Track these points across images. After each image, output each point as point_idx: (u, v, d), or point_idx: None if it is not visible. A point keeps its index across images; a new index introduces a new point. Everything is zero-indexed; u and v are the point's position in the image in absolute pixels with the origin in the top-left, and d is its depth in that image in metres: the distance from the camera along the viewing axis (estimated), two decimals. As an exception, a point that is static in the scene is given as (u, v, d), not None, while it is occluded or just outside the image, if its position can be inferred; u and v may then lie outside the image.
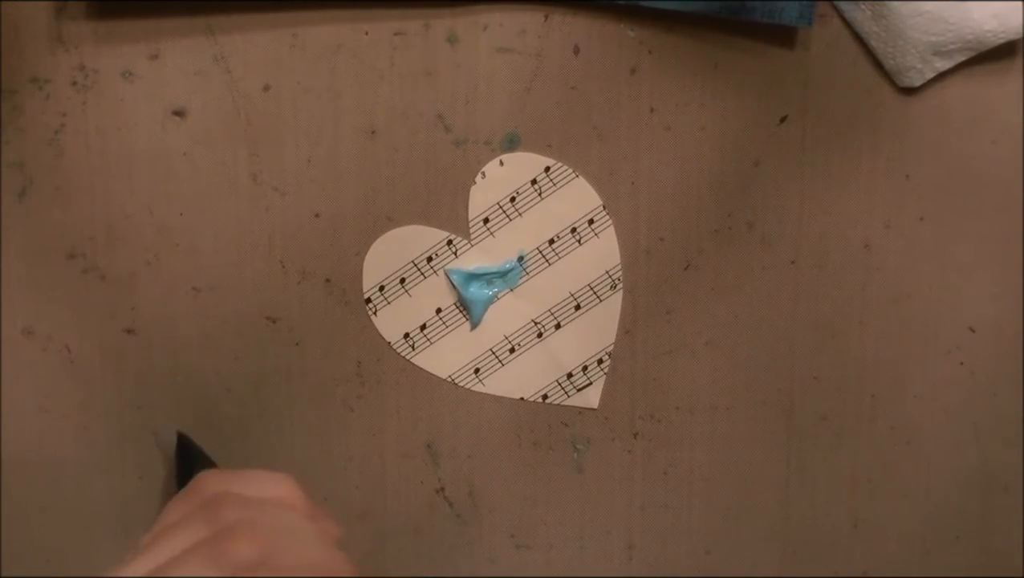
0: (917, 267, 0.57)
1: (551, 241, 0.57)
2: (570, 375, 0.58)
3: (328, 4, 0.53)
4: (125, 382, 0.56)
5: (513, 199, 0.56)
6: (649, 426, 0.59)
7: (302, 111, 0.54)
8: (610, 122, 0.55)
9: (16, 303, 0.55)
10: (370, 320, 0.56)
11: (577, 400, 0.58)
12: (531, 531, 0.59)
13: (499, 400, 0.58)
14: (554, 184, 0.56)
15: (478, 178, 0.56)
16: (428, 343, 0.57)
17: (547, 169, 0.56)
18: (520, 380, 0.58)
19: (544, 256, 0.57)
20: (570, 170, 0.56)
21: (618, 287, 0.57)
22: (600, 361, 0.58)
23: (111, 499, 0.57)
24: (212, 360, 0.56)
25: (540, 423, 0.59)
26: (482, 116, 0.55)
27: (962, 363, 0.58)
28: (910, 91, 0.56)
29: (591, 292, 0.58)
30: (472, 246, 0.56)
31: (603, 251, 0.57)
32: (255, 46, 0.53)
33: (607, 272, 0.57)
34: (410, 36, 0.54)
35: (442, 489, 0.59)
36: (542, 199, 0.56)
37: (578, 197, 0.56)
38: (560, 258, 0.57)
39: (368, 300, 0.56)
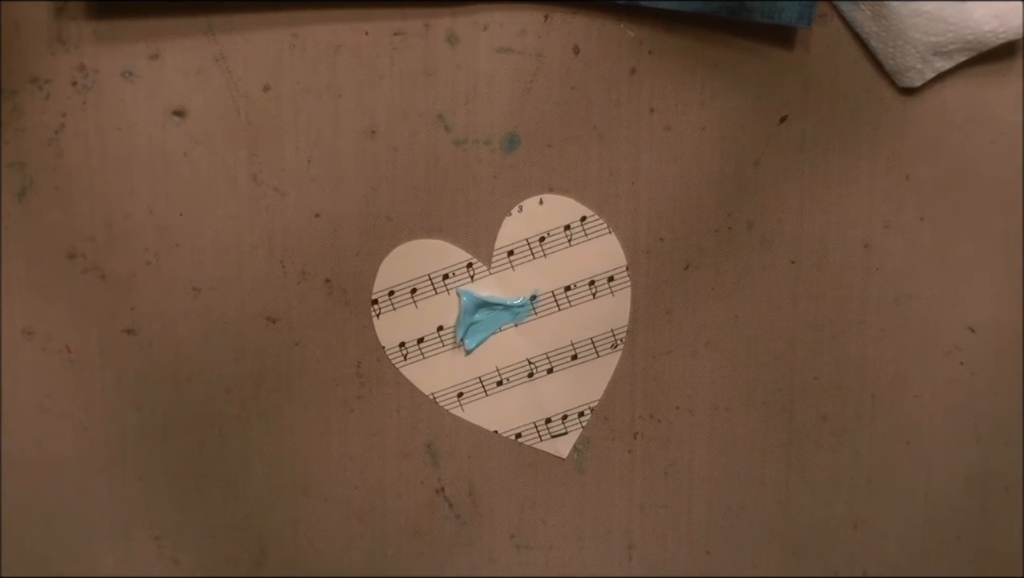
0: (917, 267, 0.57)
1: (567, 288, 0.57)
2: (548, 420, 0.58)
3: (328, 4, 0.53)
4: (125, 382, 0.56)
5: (543, 239, 0.56)
6: (649, 426, 0.59)
7: (302, 111, 0.54)
8: (610, 122, 0.55)
9: (16, 303, 0.55)
10: (370, 321, 0.56)
11: (548, 446, 0.58)
12: (531, 531, 0.59)
13: (499, 400, 0.58)
14: (586, 234, 0.56)
15: (514, 211, 0.56)
16: (421, 356, 0.57)
17: (583, 218, 0.56)
18: (499, 414, 0.58)
19: (556, 300, 0.57)
20: (604, 225, 0.56)
21: (619, 347, 0.58)
22: (581, 414, 0.58)
23: (111, 499, 0.57)
24: (212, 360, 0.56)
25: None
26: (482, 116, 0.55)
27: (962, 363, 0.58)
28: (910, 91, 0.56)
29: (591, 346, 0.58)
30: (490, 274, 0.57)
31: (614, 310, 0.57)
32: (255, 46, 0.53)
33: (612, 331, 0.57)
34: (410, 36, 0.54)
35: (442, 489, 0.59)
36: (571, 245, 0.57)
37: (605, 252, 0.57)
38: (572, 306, 0.57)
39: (375, 301, 0.56)
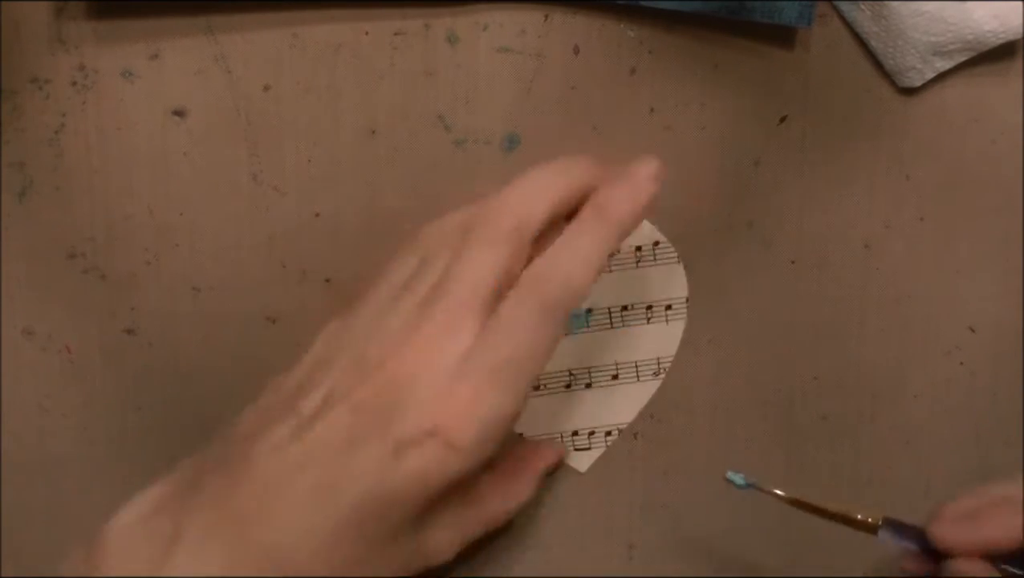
0: (917, 267, 0.57)
1: (624, 308, 0.57)
2: (575, 433, 0.58)
3: (328, 4, 0.53)
4: (125, 382, 0.56)
5: (611, 254, 0.56)
6: (649, 426, 0.59)
7: (302, 111, 0.54)
8: (610, 122, 0.55)
9: (16, 303, 0.55)
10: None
11: (571, 458, 0.58)
12: (531, 531, 0.59)
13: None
14: (655, 259, 0.56)
15: None
16: None
17: (656, 244, 0.56)
18: (528, 418, 0.57)
19: (611, 318, 0.57)
20: (675, 254, 0.56)
21: (660, 375, 0.57)
22: (608, 433, 0.58)
23: (111, 499, 0.57)
24: (212, 360, 0.56)
25: (540, 423, 0.59)
26: (482, 116, 0.55)
27: (962, 363, 0.59)
28: (910, 91, 0.56)
29: (634, 369, 0.57)
30: None
31: (665, 339, 0.57)
32: (255, 46, 0.53)
33: (658, 359, 0.57)
34: (410, 36, 0.54)
35: (442, 489, 0.59)
36: (637, 268, 0.56)
37: (669, 280, 0.56)
38: (625, 327, 0.57)
39: None
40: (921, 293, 0.58)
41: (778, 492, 0.52)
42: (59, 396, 0.56)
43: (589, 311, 0.57)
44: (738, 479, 0.53)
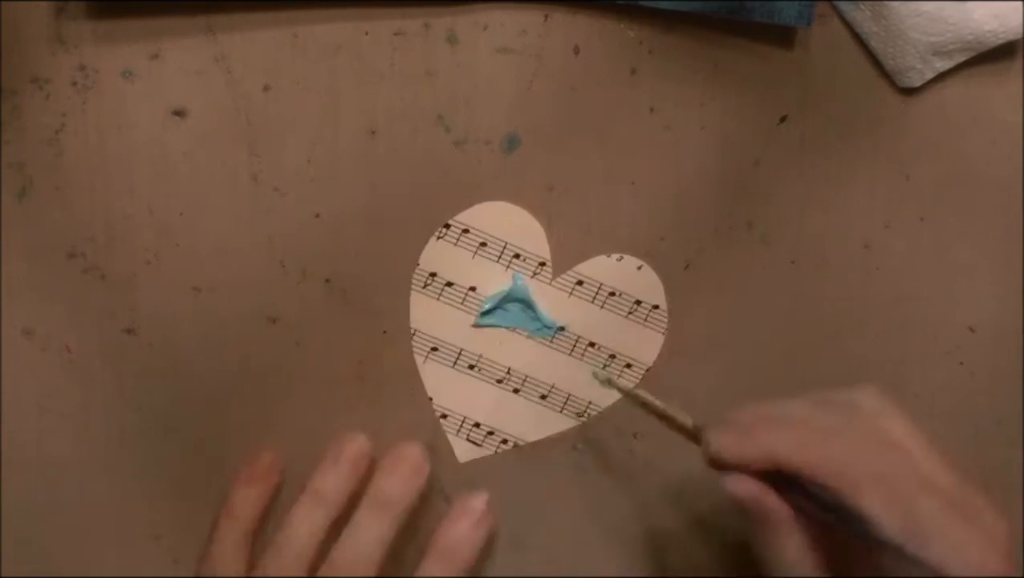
0: (917, 267, 0.57)
1: (591, 344, 0.57)
2: (477, 425, 0.58)
3: (328, 4, 0.53)
4: (125, 382, 0.56)
5: (613, 294, 0.56)
6: (649, 426, 0.59)
7: (302, 111, 0.54)
8: (610, 122, 0.55)
9: (16, 303, 0.55)
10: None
11: (455, 441, 0.58)
12: (531, 531, 0.59)
13: (499, 400, 0.58)
14: (644, 320, 0.57)
15: (615, 257, 0.56)
16: (436, 296, 0.56)
17: (655, 306, 0.57)
18: (445, 388, 0.58)
19: (575, 346, 0.57)
20: (664, 322, 0.57)
21: (581, 418, 0.58)
22: (504, 442, 0.58)
23: (111, 499, 0.57)
24: (212, 360, 0.56)
25: (540, 423, 0.59)
26: (482, 116, 0.55)
27: (962, 363, 0.58)
28: (910, 91, 0.56)
29: (563, 400, 0.58)
30: (549, 284, 0.56)
31: (607, 390, 0.58)
32: (255, 46, 0.53)
33: (589, 402, 0.58)
34: (410, 36, 0.54)
35: (442, 489, 0.59)
36: (626, 318, 0.57)
37: (644, 344, 0.57)
38: (579, 360, 0.57)
39: (448, 225, 0.56)
40: (921, 293, 0.58)
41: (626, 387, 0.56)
42: (59, 396, 0.56)
43: (562, 328, 0.57)
44: (601, 375, 0.57)
